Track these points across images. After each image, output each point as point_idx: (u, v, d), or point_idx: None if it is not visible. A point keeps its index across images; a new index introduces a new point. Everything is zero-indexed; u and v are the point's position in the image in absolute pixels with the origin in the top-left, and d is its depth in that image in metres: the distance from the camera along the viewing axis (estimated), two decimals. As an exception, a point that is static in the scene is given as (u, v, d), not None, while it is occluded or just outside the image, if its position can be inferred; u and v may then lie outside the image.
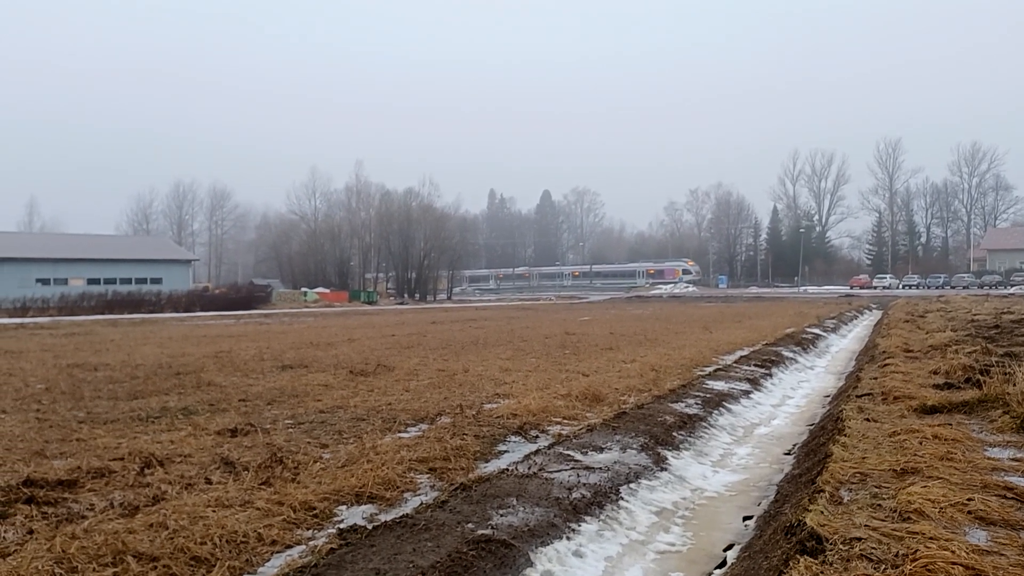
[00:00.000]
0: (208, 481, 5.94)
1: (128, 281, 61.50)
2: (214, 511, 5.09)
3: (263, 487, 5.72)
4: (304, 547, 4.65)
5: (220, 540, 4.56)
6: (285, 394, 10.59)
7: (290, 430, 8.04)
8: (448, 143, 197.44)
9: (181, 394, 10.69)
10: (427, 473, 6.36)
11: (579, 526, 5.52)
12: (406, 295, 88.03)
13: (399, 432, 7.97)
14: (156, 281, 63.62)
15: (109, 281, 59.35)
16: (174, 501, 5.36)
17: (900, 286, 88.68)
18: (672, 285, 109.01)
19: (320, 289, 77.92)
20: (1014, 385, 8.28)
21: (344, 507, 5.42)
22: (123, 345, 20.24)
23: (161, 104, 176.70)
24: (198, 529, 4.70)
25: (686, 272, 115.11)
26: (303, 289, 76.75)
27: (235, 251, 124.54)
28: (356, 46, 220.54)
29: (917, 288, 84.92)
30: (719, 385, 12.15)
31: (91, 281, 59.16)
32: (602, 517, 5.83)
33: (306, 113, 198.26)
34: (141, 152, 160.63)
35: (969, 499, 4.95)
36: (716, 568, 5.22)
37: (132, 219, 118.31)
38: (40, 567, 4.08)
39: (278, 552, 4.57)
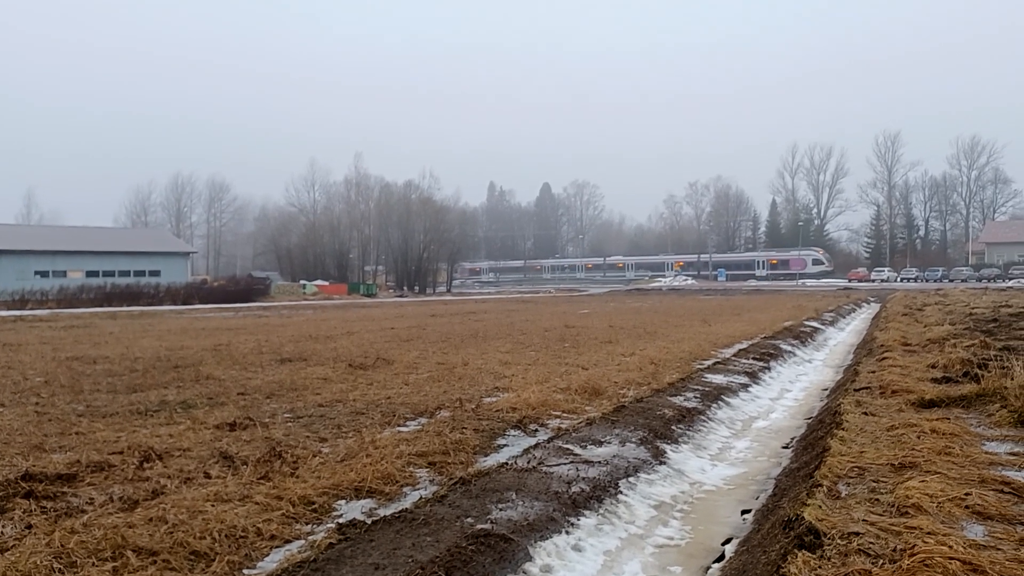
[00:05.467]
0: (207, 475, 5.95)
1: (127, 274, 61.25)
2: (213, 505, 5.10)
3: (262, 481, 5.73)
4: (303, 542, 4.66)
5: (219, 534, 4.57)
6: (284, 388, 10.59)
7: (289, 424, 8.05)
8: (448, 136, 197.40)
9: (180, 387, 10.68)
10: (426, 467, 6.37)
11: (578, 520, 5.53)
12: (405, 288, 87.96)
13: (398, 426, 7.97)
14: (154, 274, 63.47)
15: (108, 274, 59.07)
16: (173, 495, 5.36)
17: (898, 279, 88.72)
18: (672, 277, 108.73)
19: (319, 282, 77.75)
20: (1012, 379, 8.31)
21: (343, 501, 5.43)
22: (122, 338, 20.24)
23: (159, 96, 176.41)
24: (197, 523, 4.71)
25: (817, 262, 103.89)
26: (302, 282, 76.57)
27: (233, 243, 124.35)
28: (355, 39, 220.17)
29: (915, 281, 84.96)
30: (718, 379, 12.16)
31: (90, 273, 58.94)
32: (601, 511, 5.84)
33: (305, 106, 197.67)
34: (139, 144, 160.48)
35: (967, 494, 4.97)
36: (714, 562, 5.24)
37: (130, 211, 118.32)
38: (39, 562, 4.08)
39: (277, 547, 4.57)
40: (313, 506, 5.25)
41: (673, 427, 8.69)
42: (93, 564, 4.12)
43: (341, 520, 5.01)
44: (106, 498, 5.31)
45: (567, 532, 5.29)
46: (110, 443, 7.05)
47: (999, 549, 4.07)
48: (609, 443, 7.58)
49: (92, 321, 30.10)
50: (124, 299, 50.10)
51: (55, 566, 4.06)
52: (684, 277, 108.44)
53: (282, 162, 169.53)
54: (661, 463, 7.39)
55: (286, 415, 8.58)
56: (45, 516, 4.92)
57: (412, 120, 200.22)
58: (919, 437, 6.77)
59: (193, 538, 4.48)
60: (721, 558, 5.28)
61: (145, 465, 6.23)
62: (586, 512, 5.71)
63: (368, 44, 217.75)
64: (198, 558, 4.30)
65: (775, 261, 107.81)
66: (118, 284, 54.27)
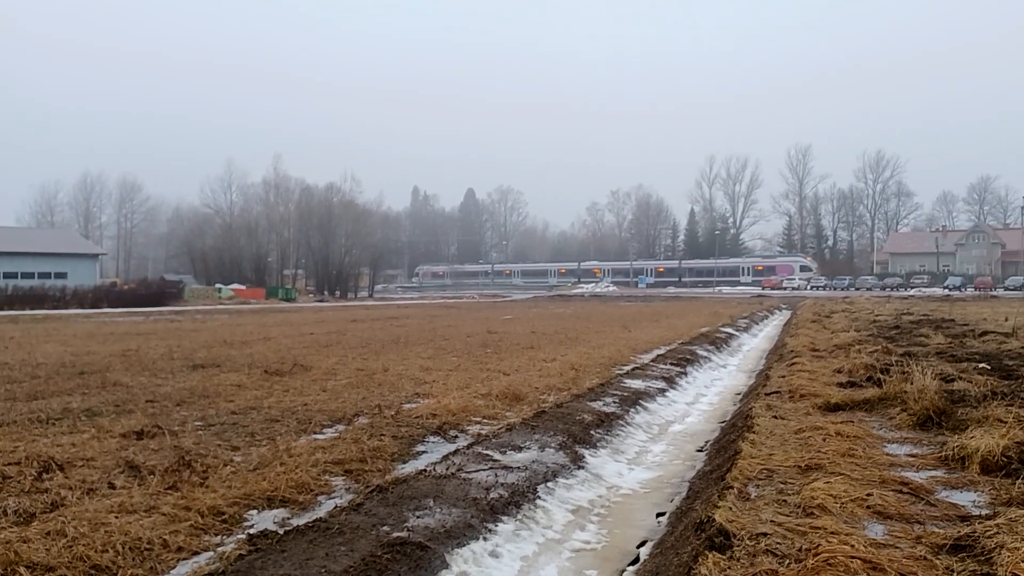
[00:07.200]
0: (111, 486, 5.70)
1: (30, 275, 58.52)
2: (117, 517, 4.89)
3: (169, 492, 5.52)
4: (212, 553, 4.51)
5: (123, 547, 4.38)
6: (195, 395, 10.25)
7: (200, 432, 7.79)
8: (370, 139, 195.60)
9: (85, 394, 10.23)
10: (343, 475, 6.26)
11: (496, 526, 5.52)
12: (326, 292, 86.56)
13: (315, 434, 7.81)
14: (60, 276, 60.71)
15: (10, 275, 56.33)
16: (74, 507, 5.12)
17: (808, 287, 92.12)
18: (594, 284, 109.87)
19: (235, 285, 75.77)
20: (912, 384, 8.69)
21: (255, 512, 5.28)
22: (23, 343, 19.27)
23: (63, 89, 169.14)
24: (99, 536, 4.50)
25: (805, 269, 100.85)
26: (217, 285, 74.49)
27: (145, 245, 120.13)
28: (274, 39, 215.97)
29: (824, 289, 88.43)
30: (636, 383, 12.36)
31: (-11, 275, 56.15)
32: (519, 517, 5.85)
33: (221, 105, 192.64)
34: (44, 140, 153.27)
35: (868, 494, 5.17)
36: (629, 565, 5.31)
37: (35, 210, 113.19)
38: (-77, 581, 3.84)
39: (184, 559, 4.41)
40: (223, 516, 5.09)
41: (592, 432, 8.78)
42: (-18, 582, 3.90)
43: (252, 531, 4.87)
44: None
45: (485, 538, 5.28)
46: (6, 453, 6.67)
47: (897, 547, 4.24)
48: (529, 448, 7.61)
49: (-10, 325, 28.57)
50: (27, 302, 47.84)
51: (-60, 585, 3.83)
52: (606, 284, 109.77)
53: (197, 163, 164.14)
54: (580, 468, 7.46)
55: (197, 423, 8.30)
56: (-69, 532, 4.63)
57: (333, 122, 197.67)
58: (825, 440, 7.02)
59: (94, 552, 4.28)
60: (636, 561, 5.36)
61: (44, 476, 5.94)
62: (504, 518, 5.70)
63: (288, 49, 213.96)
64: (99, 572, 4.12)
65: (761, 267, 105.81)
66: (20, 286, 51.77)
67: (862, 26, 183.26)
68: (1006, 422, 6.83)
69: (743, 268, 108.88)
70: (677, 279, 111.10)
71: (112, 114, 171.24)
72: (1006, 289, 78.92)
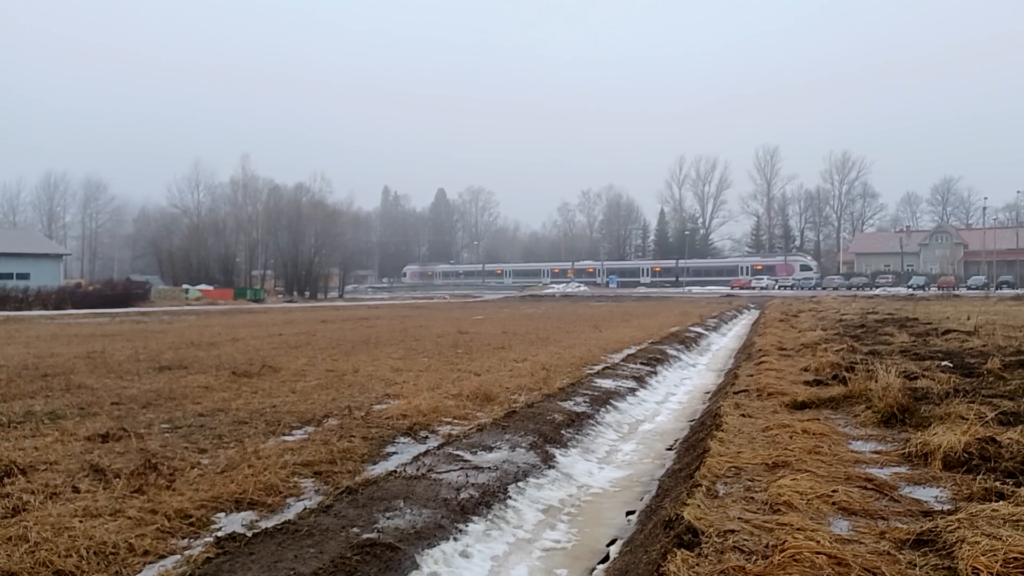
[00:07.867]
0: (75, 490, 5.61)
1: (-9, 276, 57.36)
2: (81, 521, 4.81)
3: (135, 495, 5.45)
4: (179, 557, 4.46)
5: (87, 552, 4.32)
6: (162, 397, 10.12)
7: (166, 435, 7.69)
8: (341, 139, 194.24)
9: (48, 397, 10.05)
10: (312, 477, 6.22)
11: (466, 526, 5.52)
12: (296, 293, 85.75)
13: (283, 435, 7.75)
14: (23, 276, 59.49)
15: (-31, 276, 55.17)
16: (37, 512, 5.03)
17: (776, 287, 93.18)
18: (564, 284, 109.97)
19: (203, 286, 74.76)
20: (876, 382, 8.83)
21: (223, 514, 5.23)
22: (-17, 345, 18.88)
23: (31, 88, 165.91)
24: (63, 541, 4.44)
25: (805, 268, 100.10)
26: (184, 286, 73.43)
27: (111, 246, 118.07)
28: (244, 38, 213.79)
29: (792, 289, 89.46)
30: (607, 383, 12.41)
31: (-52, 276, 54.88)
32: (490, 516, 5.85)
33: (188, 104, 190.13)
34: (6, 137, 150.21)
35: (834, 491, 5.25)
36: (599, 563, 5.34)
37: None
38: None
39: (150, 563, 4.36)
40: (190, 520, 5.04)
41: (563, 431, 8.81)
42: (-59, 589, 3.82)
43: (220, 534, 4.83)
44: (-41, 518, 4.93)
45: (455, 539, 5.27)
46: (-35, 458, 6.54)
47: (862, 543, 4.31)
48: (499, 448, 7.62)
49: (-51, 327, 27.94)
50: (-13, 304, 46.82)
51: None
52: (577, 284, 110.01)
53: (164, 162, 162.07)
54: (550, 467, 7.48)
55: (163, 425, 8.20)
56: None
57: (302, 122, 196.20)
58: (791, 437, 7.11)
59: (57, 557, 4.22)
60: (606, 559, 5.39)
61: (6, 480, 5.83)
62: (475, 518, 5.70)
63: (255, 48, 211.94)
64: (62, 578, 4.05)
65: (760, 267, 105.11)
66: (-19, 287, 50.59)
67: (831, 32, 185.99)
68: (968, 419, 6.98)
69: (741, 268, 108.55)
70: (675, 278, 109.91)
71: (77, 112, 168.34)
72: (968, 288, 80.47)
